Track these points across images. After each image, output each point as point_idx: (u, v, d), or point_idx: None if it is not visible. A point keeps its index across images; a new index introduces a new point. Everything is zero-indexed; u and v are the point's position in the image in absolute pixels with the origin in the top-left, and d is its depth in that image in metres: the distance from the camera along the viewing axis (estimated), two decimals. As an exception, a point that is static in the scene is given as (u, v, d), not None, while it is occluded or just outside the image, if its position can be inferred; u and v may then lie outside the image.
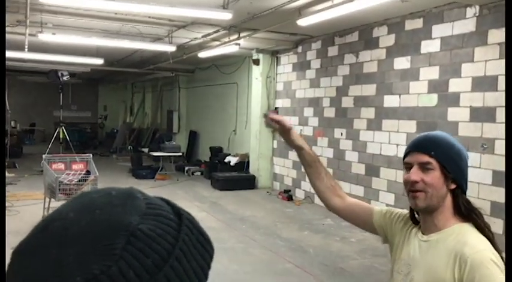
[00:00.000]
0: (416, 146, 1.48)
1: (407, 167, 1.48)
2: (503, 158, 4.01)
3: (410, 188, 1.45)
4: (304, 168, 1.84)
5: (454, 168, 1.45)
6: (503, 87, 5.04)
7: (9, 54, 10.62)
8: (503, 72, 5.02)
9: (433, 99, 6.58)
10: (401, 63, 7.13)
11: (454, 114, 6.24)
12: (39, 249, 0.48)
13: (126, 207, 0.51)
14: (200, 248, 0.54)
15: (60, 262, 0.46)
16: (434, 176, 1.43)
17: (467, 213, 1.46)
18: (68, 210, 0.51)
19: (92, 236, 0.47)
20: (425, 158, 1.44)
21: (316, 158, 1.83)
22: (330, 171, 9.02)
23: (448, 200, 1.46)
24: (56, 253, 0.47)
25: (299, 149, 1.80)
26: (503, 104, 4.53)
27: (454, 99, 6.24)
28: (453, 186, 1.46)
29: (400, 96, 7.17)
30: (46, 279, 0.46)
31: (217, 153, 12.59)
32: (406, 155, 1.50)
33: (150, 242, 0.49)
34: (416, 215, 1.58)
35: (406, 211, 1.67)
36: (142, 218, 0.50)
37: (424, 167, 1.44)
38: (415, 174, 1.44)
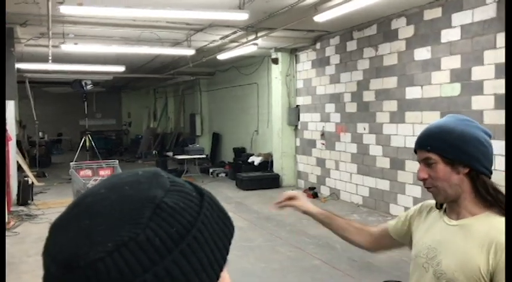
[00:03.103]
0: (417, 144, 1.51)
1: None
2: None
3: (425, 186, 1.49)
4: (328, 227, 1.91)
5: (457, 153, 1.42)
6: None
7: (34, 66, 10.93)
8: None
9: (455, 89, 6.48)
10: (422, 53, 7.04)
11: (478, 102, 6.13)
12: (72, 221, 0.53)
13: (152, 183, 0.55)
14: (221, 224, 0.57)
15: (92, 231, 0.50)
16: (439, 169, 1.43)
17: (485, 196, 1.44)
18: (99, 188, 0.56)
19: (121, 208, 0.52)
20: (425, 154, 1.46)
21: (329, 214, 1.92)
22: (354, 166, 9.02)
23: (467, 185, 1.44)
24: (88, 223, 0.51)
25: (310, 214, 1.90)
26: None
27: (477, 88, 6.13)
28: (466, 170, 1.43)
29: (422, 87, 7.08)
30: (80, 246, 0.49)
31: (241, 153, 12.66)
32: (415, 154, 1.54)
33: (174, 213, 0.52)
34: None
35: (418, 204, 1.72)
36: (167, 193, 0.54)
37: (427, 163, 1.45)
38: (422, 172, 1.47)
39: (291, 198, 1.89)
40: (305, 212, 1.90)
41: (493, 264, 1.34)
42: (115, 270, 0.48)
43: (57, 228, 0.54)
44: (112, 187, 0.55)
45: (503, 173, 4.93)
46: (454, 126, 1.46)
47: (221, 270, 0.55)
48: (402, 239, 1.73)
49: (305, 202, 1.91)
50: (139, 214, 0.50)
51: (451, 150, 1.42)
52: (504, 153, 5.40)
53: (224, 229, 0.57)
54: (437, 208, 1.59)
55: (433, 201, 1.64)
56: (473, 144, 1.43)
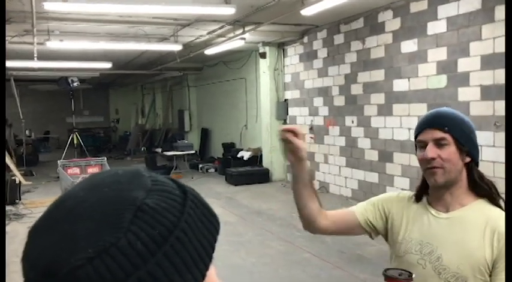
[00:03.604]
0: (430, 123, 1.46)
1: (421, 145, 1.47)
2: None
3: (428, 165, 1.44)
4: (299, 187, 1.63)
5: (467, 141, 1.45)
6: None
7: (19, 63, 10.79)
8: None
9: (442, 81, 6.52)
10: (409, 46, 7.07)
11: (464, 94, 6.18)
12: (52, 225, 0.51)
13: (133, 184, 0.53)
14: (206, 222, 0.56)
15: (72, 236, 0.49)
16: (451, 151, 1.43)
17: (481, 186, 1.46)
18: (78, 190, 0.54)
19: (101, 212, 0.50)
20: (440, 134, 1.43)
21: (310, 180, 1.67)
22: (343, 159, 9.05)
23: (464, 173, 1.47)
24: (68, 228, 0.49)
25: (301, 161, 1.59)
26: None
27: (463, 79, 6.18)
28: (468, 159, 1.46)
29: (409, 80, 7.12)
30: (59, 253, 0.48)
31: (230, 149, 12.64)
32: (418, 133, 1.49)
33: (155, 215, 0.51)
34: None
35: (392, 193, 1.67)
36: (148, 193, 0.52)
37: (439, 143, 1.43)
38: (432, 151, 1.43)
39: (295, 133, 1.55)
40: (298, 160, 1.58)
41: (496, 251, 1.36)
42: (96, 277, 0.47)
43: (36, 233, 0.52)
44: (91, 188, 0.54)
45: (490, 164, 4.97)
46: (462, 116, 1.50)
47: (207, 268, 0.54)
48: (365, 226, 1.63)
49: (305, 147, 1.58)
50: (120, 218, 0.49)
51: (464, 137, 1.44)
52: (491, 145, 5.42)
53: (209, 227, 0.56)
54: (417, 200, 1.57)
55: (409, 193, 1.63)
56: (475, 136, 1.49)
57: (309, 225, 1.67)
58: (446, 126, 1.43)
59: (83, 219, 0.50)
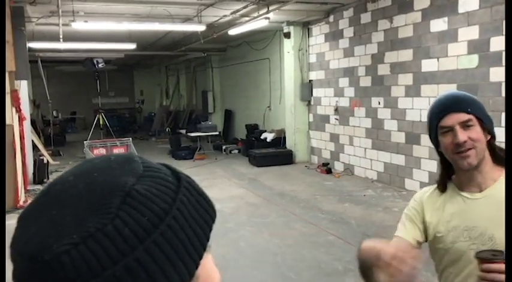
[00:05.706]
0: (453, 107, 1.47)
1: (445, 131, 1.46)
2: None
3: (459, 149, 1.44)
4: None
5: (488, 119, 1.49)
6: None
7: (45, 45, 10.90)
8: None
9: (473, 61, 6.30)
10: (438, 25, 6.84)
11: (496, 74, 5.96)
12: (40, 212, 0.51)
13: (124, 169, 0.52)
14: (200, 209, 0.54)
15: (59, 222, 0.48)
16: (478, 131, 1.45)
17: (503, 156, 1.50)
18: (69, 175, 0.53)
19: (88, 197, 0.49)
20: (466, 116, 1.44)
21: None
22: (369, 141, 8.89)
23: (487, 151, 1.50)
24: (55, 214, 0.49)
25: None
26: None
27: (496, 59, 5.95)
28: (489, 136, 1.50)
29: (438, 60, 6.91)
30: (45, 239, 0.47)
31: (253, 130, 12.62)
32: (440, 119, 1.47)
33: (145, 201, 0.49)
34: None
35: (416, 195, 1.65)
36: (139, 179, 0.51)
37: (465, 125, 1.44)
38: (462, 134, 1.44)
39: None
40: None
41: None
42: (82, 263, 0.45)
43: (25, 219, 0.51)
44: (81, 174, 0.52)
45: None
46: (475, 96, 1.54)
47: (200, 257, 0.52)
48: (420, 236, 1.59)
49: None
50: (108, 203, 0.48)
51: (485, 115, 1.49)
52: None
53: (204, 215, 0.54)
54: (442, 190, 1.57)
55: (430, 187, 1.64)
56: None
57: None
58: (468, 107, 1.46)
59: (70, 205, 0.49)
